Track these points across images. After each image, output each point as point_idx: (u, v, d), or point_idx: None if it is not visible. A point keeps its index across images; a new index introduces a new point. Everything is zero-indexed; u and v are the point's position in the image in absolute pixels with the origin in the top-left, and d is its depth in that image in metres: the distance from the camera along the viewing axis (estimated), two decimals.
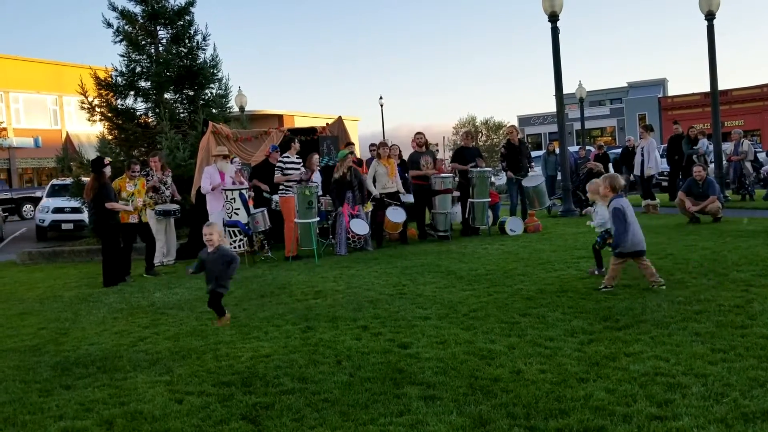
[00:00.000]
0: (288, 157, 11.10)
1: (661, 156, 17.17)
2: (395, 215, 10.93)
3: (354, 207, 10.69)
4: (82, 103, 15.19)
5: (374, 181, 11.31)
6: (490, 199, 11.84)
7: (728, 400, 3.53)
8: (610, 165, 19.86)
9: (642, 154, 14.90)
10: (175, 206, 10.99)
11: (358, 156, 14.73)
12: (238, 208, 10.16)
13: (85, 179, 14.52)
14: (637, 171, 15.19)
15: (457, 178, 12.09)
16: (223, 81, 15.83)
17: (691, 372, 4.00)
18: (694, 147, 15.39)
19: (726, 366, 4.06)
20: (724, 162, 15.97)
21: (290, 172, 10.94)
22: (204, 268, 6.26)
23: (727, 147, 16.82)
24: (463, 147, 12.59)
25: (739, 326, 4.88)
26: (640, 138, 15.64)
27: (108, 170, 9.55)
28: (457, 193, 12.03)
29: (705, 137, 15.90)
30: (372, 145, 12.99)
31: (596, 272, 7.32)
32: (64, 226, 18.55)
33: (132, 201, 9.93)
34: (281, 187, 10.97)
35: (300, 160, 11.21)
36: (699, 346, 4.48)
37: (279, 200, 10.93)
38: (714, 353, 4.32)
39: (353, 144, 12.76)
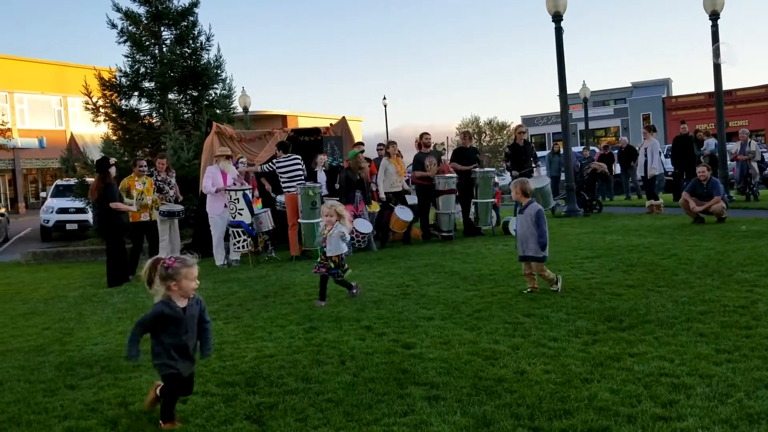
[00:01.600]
0: (280, 161, 10.81)
1: (666, 156, 17.15)
2: (403, 214, 10.97)
3: (358, 207, 10.71)
4: (87, 103, 15.25)
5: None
6: (494, 200, 11.85)
7: (733, 401, 3.52)
8: (615, 165, 19.89)
9: (645, 155, 14.89)
10: (180, 207, 11.00)
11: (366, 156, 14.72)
12: (242, 209, 10.17)
13: (89, 180, 14.58)
14: (640, 172, 15.19)
15: (455, 179, 12.09)
16: (227, 81, 15.91)
17: (695, 372, 3.99)
18: (701, 148, 15.39)
19: (731, 366, 4.05)
20: (729, 162, 15.94)
21: (292, 170, 10.81)
22: (165, 330, 3.72)
23: (732, 147, 16.79)
24: (462, 147, 12.58)
25: (743, 327, 4.87)
26: (644, 138, 15.63)
27: (113, 170, 9.57)
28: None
29: (711, 137, 15.89)
30: (380, 144, 13.00)
31: (323, 304, 6.62)
32: (68, 227, 18.65)
33: (143, 199, 9.93)
34: (285, 184, 10.87)
35: (298, 157, 10.98)
36: (703, 347, 4.47)
37: (285, 200, 10.91)
38: (719, 354, 4.31)
39: (362, 143, 12.79)
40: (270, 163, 11.09)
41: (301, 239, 10.35)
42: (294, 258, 10.33)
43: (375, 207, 11.27)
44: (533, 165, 12.88)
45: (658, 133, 16.77)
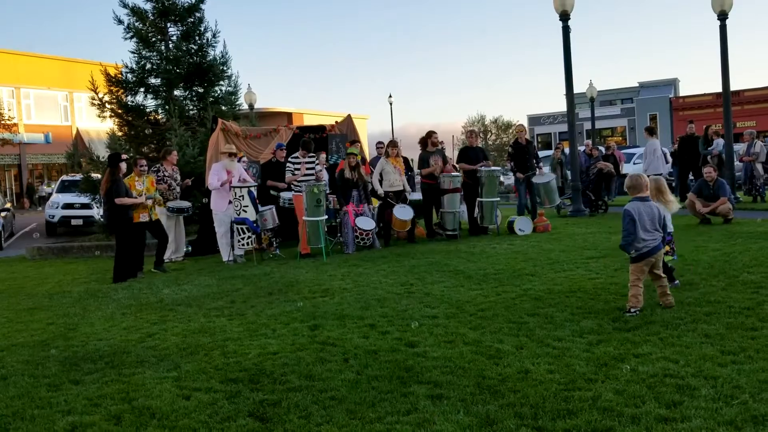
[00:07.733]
0: (297, 158, 11.00)
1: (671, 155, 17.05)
2: (403, 213, 10.92)
3: (359, 206, 10.68)
4: (93, 99, 15.26)
5: (381, 180, 11.30)
6: (499, 199, 11.82)
7: (738, 402, 3.51)
8: (622, 165, 19.79)
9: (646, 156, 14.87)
10: (188, 204, 10.97)
11: (366, 154, 14.71)
12: (247, 206, 10.16)
13: (95, 175, 14.59)
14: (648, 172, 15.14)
15: (460, 177, 12.04)
16: (233, 78, 15.87)
17: (700, 374, 3.98)
18: (710, 147, 15.29)
19: (736, 368, 4.03)
20: (736, 162, 15.85)
21: (307, 173, 10.91)
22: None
23: (739, 148, 16.70)
24: (468, 147, 12.55)
25: (749, 328, 4.85)
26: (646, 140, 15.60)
27: (123, 166, 9.54)
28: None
29: (720, 137, 15.79)
30: (379, 143, 12.96)
31: None
32: (73, 222, 18.71)
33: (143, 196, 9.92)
34: (294, 185, 10.95)
35: (314, 157, 11.18)
36: (709, 348, 4.45)
37: (292, 198, 10.94)
38: (724, 355, 4.29)
39: (358, 142, 12.72)
40: (290, 162, 11.09)
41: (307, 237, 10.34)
42: (297, 256, 10.31)
43: (374, 203, 11.27)
44: (536, 165, 12.85)
45: (657, 135, 16.58)
